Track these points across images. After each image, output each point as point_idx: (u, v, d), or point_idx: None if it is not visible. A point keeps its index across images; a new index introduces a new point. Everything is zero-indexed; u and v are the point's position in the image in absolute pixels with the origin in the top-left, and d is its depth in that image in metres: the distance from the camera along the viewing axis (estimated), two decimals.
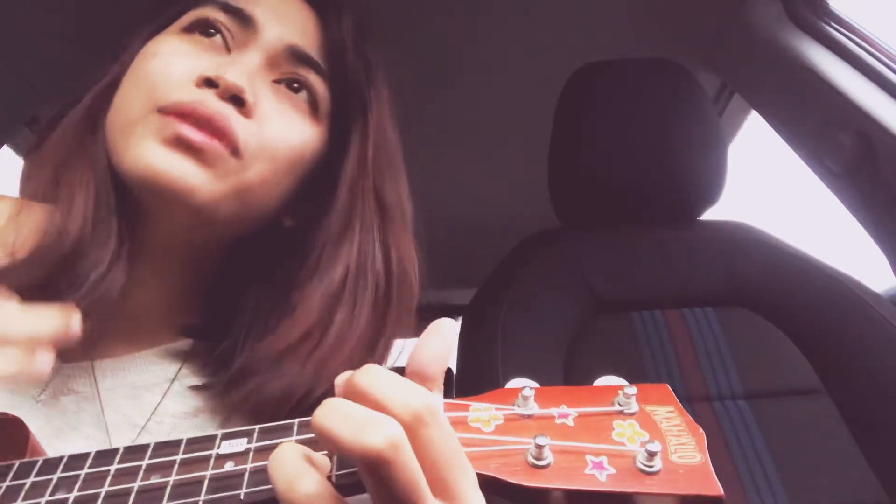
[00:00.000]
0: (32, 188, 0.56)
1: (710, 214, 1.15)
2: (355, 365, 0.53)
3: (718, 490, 0.31)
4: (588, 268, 1.06)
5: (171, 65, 0.53)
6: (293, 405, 0.51)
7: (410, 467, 0.29)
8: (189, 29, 0.57)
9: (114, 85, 0.56)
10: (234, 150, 0.51)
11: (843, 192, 1.07)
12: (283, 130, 0.55)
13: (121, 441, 0.51)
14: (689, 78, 1.12)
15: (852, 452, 0.89)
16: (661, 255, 1.08)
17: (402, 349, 0.61)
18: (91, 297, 0.49)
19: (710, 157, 1.09)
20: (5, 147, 1.22)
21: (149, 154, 0.49)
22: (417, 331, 0.61)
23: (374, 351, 0.56)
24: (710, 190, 1.10)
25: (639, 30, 1.30)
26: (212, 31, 0.56)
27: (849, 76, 1.02)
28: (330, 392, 0.52)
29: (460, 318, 1.13)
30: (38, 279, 0.49)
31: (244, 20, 0.56)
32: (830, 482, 0.87)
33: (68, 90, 0.60)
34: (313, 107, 0.58)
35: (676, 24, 1.29)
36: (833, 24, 1.08)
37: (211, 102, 0.51)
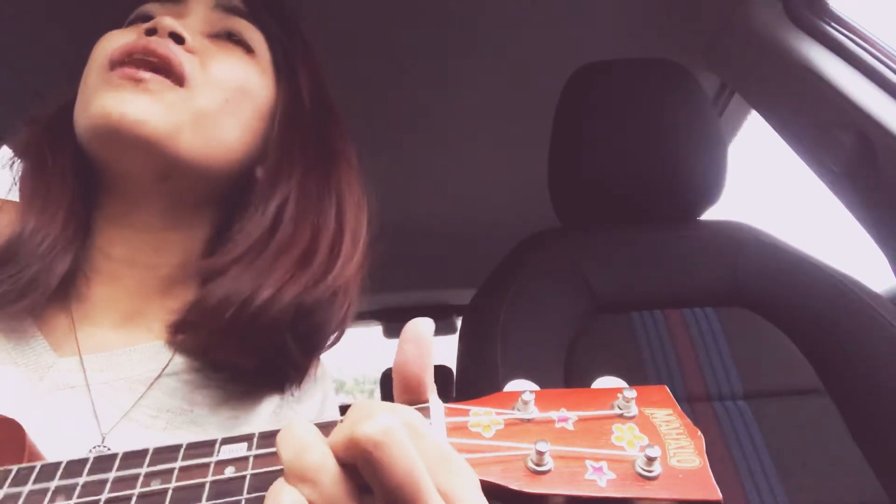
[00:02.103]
0: (19, 187, 0.61)
1: (710, 214, 1.15)
2: (302, 278, 0.57)
3: (717, 494, 0.31)
4: (588, 268, 1.06)
5: (114, 38, 0.58)
6: (236, 308, 0.54)
7: (407, 452, 0.29)
8: (131, 22, 0.63)
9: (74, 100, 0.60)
10: (180, 77, 0.55)
11: (843, 192, 1.07)
12: (226, 65, 0.60)
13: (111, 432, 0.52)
14: (689, 78, 1.12)
15: (852, 452, 0.89)
16: (661, 255, 1.08)
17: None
18: (34, 269, 0.53)
19: (710, 157, 1.09)
20: (5, 147, 1.22)
21: (100, 101, 0.53)
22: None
23: (325, 276, 0.59)
24: (710, 190, 1.10)
25: (639, 30, 1.30)
26: (149, 17, 0.62)
27: (849, 76, 1.02)
28: (276, 297, 0.55)
29: (460, 318, 1.13)
30: None
31: None
32: (830, 482, 0.87)
33: (37, 104, 0.64)
34: (250, 49, 0.64)
35: (677, 24, 1.28)
36: (833, 24, 1.08)
37: (153, 39, 0.55)
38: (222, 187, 0.62)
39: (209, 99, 0.57)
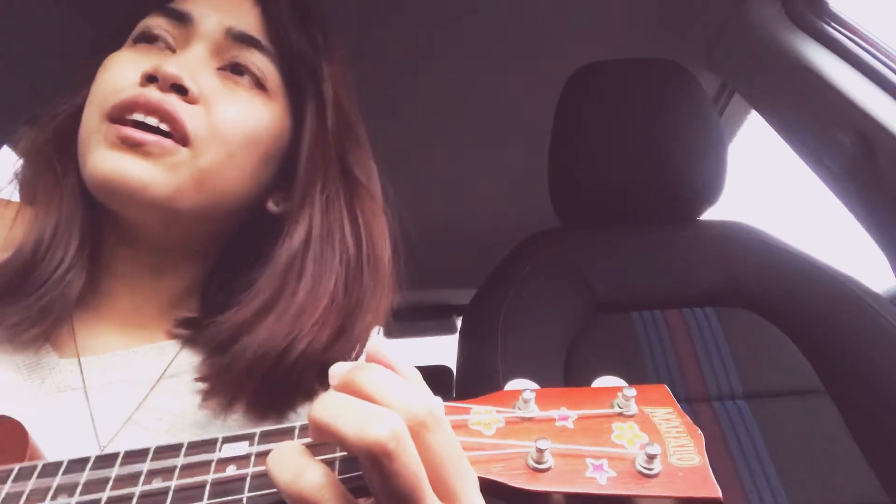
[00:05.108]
0: (21, 194, 0.60)
1: (710, 214, 1.15)
2: (331, 327, 0.55)
3: (717, 492, 0.31)
4: (588, 268, 1.06)
5: (117, 73, 0.56)
6: (271, 364, 0.53)
7: (413, 461, 0.29)
8: (137, 39, 0.59)
9: (82, 106, 0.58)
10: (184, 139, 0.53)
11: (843, 192, 1.07)
12: (232, 112, 0.56)
13: (111, 435, 0.52)
14: (689, 78, 1.12)
15: (852, 452, 0.89)
16: (661, 255, 1.08)
17: (378, 332, 0.63)
18: (49, 296, 0.52)
19: (710, 157, 1.09)
20: (5, 147, 1.22)
21: (98, 160, 0.51)
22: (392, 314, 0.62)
23: (352, 323, 0.58)
24: (709, 190, 1.10)
25: (639, 30, 1.30)
26: (155, 35, 0.59)
27: (849, 76, 1.02)
28: (308, 350, 0.53)
29: (460, 318, 1.13)
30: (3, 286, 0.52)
31: (181, 18, 0.59)
32: (830, 482, 0.87)
33: (44, 111, 0.62)
34: (261, 86, 0.59)
35: (676, 24, 1.29)
36: (833, 24, 1.08)
37: (153, 94, 0.52)
38: (229, 224, 0.62)
39: (213, 156, 0.54)
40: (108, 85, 0.55)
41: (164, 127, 0.52)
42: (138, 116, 0.52)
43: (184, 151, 0.53)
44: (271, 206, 0.62)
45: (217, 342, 0.55)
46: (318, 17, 0.66)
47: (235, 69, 0.59)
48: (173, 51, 0.58)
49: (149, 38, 0.59)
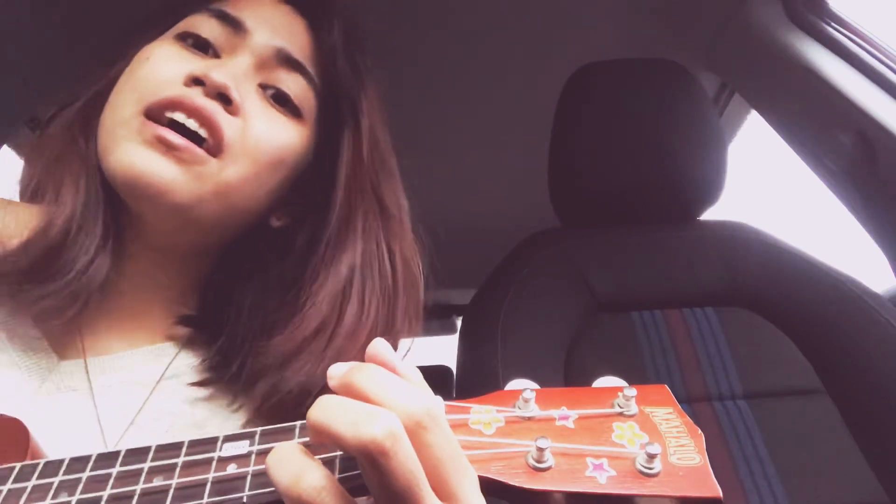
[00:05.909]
0: (26, 184, 0.59)
1: (709, 214, 1.15)
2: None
3: (717, 491, 0.31)
4: (588, 268, 1.06)
5: (161, 67, 0.55)
6: (312, 399, 0.52)
7: (410, 459, 0.29)
8: (182, 36, 0.59)
9: (108, 88, 0.57)
10: (217, 147, 0.53)
11: (843, 192, 1.07)
12: (267, 130, 0.57)
13: (115, 436, 0.52)
14: (689, 78, 1.12)
15: (852, 452, 0.89)
16: (660, 255, 1.09)
17: (409, 346, 0.64)
18: (77, 283, 0.52)
19: (710, 157, 1.09)
20: (5, 147, 1.22)
21: (129, 154, 0.51)
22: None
23: None
24: (709, 190, 1.10)
25: (639, 30, 1.30)
26: (203, 37, 0.58)
27: (849, 76, 1.02)
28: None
29: (460, 318, 1.13)
30: (25, 268, 0.51)
31: (234, 25, 0.58)
32: (830, 482, 0.87)
33: (68, 90, 0.61)
34: (297, 112, 0.60)
35: (676, 23, 1.29)
36: (833, 24, 1.08)
37: (198, 98, 0.52)
38: (235, 233, 0.62)
39: (239, 170, 0.55)
40: (150, 77, 0.54)
41: (202, 132, 0.52)
42: (179, 116, 0.52)
43: (213, 162, 0.53)
44: (274, 221, 0.63)
45: (258, 368, 0.54)
46: (364, 41, 0.67)
47: (277, 98, 0.59)
48: (218, 55, 0.58)
49: (197, 38, 0.58)
